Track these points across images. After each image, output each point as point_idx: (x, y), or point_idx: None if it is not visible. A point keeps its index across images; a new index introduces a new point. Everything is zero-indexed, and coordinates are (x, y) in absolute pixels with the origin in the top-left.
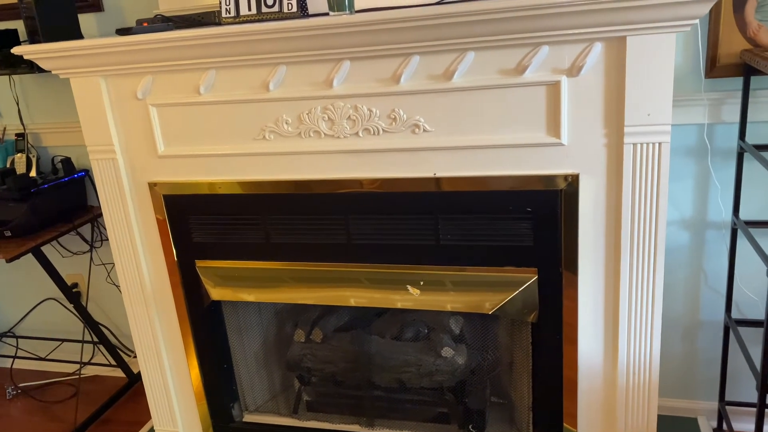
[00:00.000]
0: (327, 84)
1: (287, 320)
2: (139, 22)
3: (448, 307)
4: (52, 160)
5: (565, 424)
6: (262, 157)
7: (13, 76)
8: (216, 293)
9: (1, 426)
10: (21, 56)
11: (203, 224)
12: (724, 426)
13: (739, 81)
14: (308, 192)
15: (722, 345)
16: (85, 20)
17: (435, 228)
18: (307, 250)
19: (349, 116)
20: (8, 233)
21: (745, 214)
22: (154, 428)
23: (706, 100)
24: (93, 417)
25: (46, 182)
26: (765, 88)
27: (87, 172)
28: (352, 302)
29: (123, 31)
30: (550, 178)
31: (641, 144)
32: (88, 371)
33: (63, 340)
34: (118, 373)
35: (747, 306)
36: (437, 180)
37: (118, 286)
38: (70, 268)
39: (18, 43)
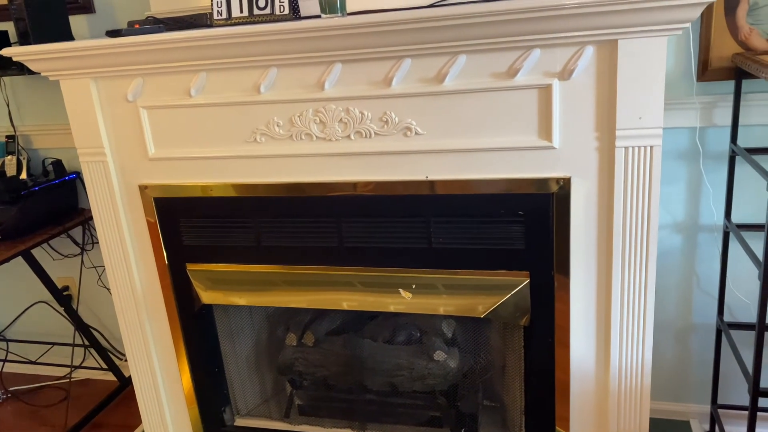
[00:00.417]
0: (318, 86)
1: (279, 324)
2: (131, 23)
3: (441, 311)
4: (43, 162)
5: (557, 428)
6: (254, 159)
7: (4, 78)
8: (207, 297)
9: None
10: (11, 58)
11: (194, 227)
12: (717, 429)
13: (730, 84)
14: (300, 195)
15: (714, 348)
16: (76, 22)
17: (427, 231)
18: (299, 253)
19: (341, 119)
20: None
21: (737, 218)
22: None
23: (698, 104)
24: (84, 421)
25: (36, 185)
26: (756, 91)
27: (78, 175)
28: (345, 305)
29: (113, 33)
30: (541, 182)
31: (633, 147)
32: (79, 375)
33: (54, 344)
34: (110, 376)
35: (739, 309)
36: (429, 183)
37: (109, 289)
38: (62, 271)
39: (8, 44)
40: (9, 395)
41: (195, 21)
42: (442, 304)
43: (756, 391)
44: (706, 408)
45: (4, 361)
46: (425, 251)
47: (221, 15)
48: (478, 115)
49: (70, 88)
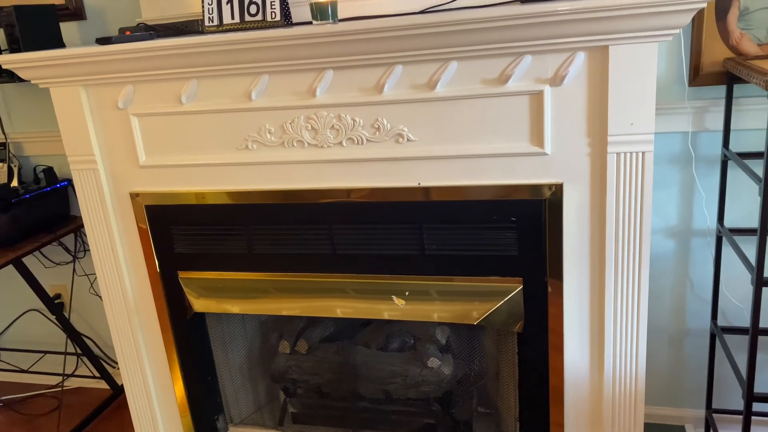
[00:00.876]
0: (310, 93)
1: (272, 331)
2: (122, 30)
3: (435, 317)
4: (34, 169)
5: None
6: (245, 166)
7: None
8: (199, 305)
9: None
10: (0, 65)
11: (186, 235)
12: None
13: (722, 89)
14: (292, 202)
15: (708, 353)
16: (67, 29)
17: (420, 238)
18: (292, 260)
19: (333, 126)
20: None
21: (729, 222)
22: None
23: (689, 109)
24: (76, 430)
25: (27, 192)
26: (748, 96)
27: (69, 182)
28: (338, 313)
29: (103, 41)
30: (534, 188)
31: (625, 153)
32: (72, 383)
33: (46, 352)
34: (102, 384)
35: (733, 313)
36: (421, 189)
37: (101, 297)
38: (53, 279)
39: None
40: (1, 404)
41: (186, 27)
42: (436, 311)
43: (750, 396)
44: (701, 413)
45: None
46: (418, 258)
47: (212, 21)
48: (470, 121)
49: (60, 95)
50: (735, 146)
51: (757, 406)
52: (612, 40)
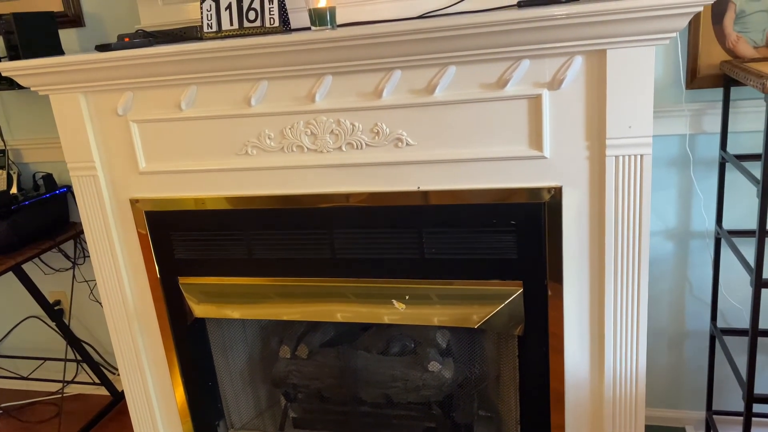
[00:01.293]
0: (309, 99)
1: (272, 336)
2: (121, 37)
3: (435, 321)
4: (34, 176)
5: None
6: (245, 172)
7: None
8: (199, 310)
9: None
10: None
11: (186, 240)
12: None
13: (719, 92)
14: (292, 207)
15: (708, 354)
16: (66, 36)
17: (420, 242)
18: (292, 265)
19: (332, 131)
20: None
21: (728, 224)
22: None
23: (687, 111)
24: None
25: (27, 199)
26: (745, 98)
27: (69, 188)
28: (339, 317)
29: (102, 48)
30: (533, 191)
31: (623, 156)
32: (72, 390)
33: (45, 359)
34: (102, 391)
35: (732, 315)
36: (421, 194)
37: (101, 304)
38: (53, 285)
39: None
40: (0, 411)
41: (185, 34)
42: (436, 315)
43: (750, 397)
44: (701, 414)
45: None
46: (418, 262)
47: (211, 28)
48: (468, 125)
49: (59, 102)
50: (732, 148)
51: (757, 408)
52: (609, 44)
